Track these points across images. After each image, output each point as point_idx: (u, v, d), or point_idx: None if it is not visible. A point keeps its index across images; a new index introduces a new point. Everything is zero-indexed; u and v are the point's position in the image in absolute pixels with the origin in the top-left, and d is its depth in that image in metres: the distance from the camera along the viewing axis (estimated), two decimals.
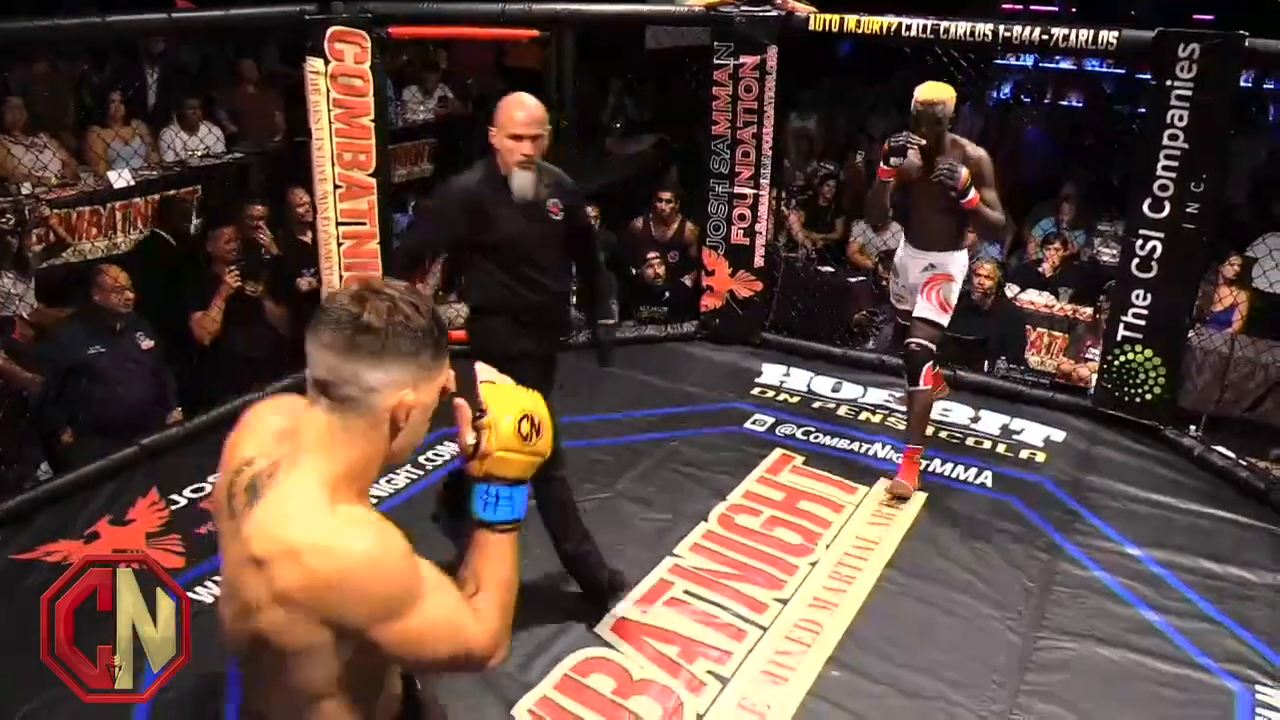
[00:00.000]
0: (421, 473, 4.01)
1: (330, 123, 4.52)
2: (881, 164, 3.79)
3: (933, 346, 3.93)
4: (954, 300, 3.97)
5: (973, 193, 3.67)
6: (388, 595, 1.31)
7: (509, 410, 1.44)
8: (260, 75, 7.29)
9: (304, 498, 1.32)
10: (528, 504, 1.47)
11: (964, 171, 3.65)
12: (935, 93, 3.73)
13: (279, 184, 5.74)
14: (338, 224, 4.64)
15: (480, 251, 3.02)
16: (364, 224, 4.71)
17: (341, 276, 4.70)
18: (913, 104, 3.74)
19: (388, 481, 3.93)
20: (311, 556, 1.28)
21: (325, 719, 1.39)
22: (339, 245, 4.67)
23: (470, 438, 1.44)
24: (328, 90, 4.48)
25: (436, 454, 4.13)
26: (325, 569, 1.28)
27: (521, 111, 2.88)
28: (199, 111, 6.53)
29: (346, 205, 4.64)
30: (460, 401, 1.45)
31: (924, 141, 3.70)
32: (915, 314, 3.99)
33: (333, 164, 4.57)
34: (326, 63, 4.44)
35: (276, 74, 7.23)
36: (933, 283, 3.95)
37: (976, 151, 3.80)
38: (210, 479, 3.90)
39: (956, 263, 3.97)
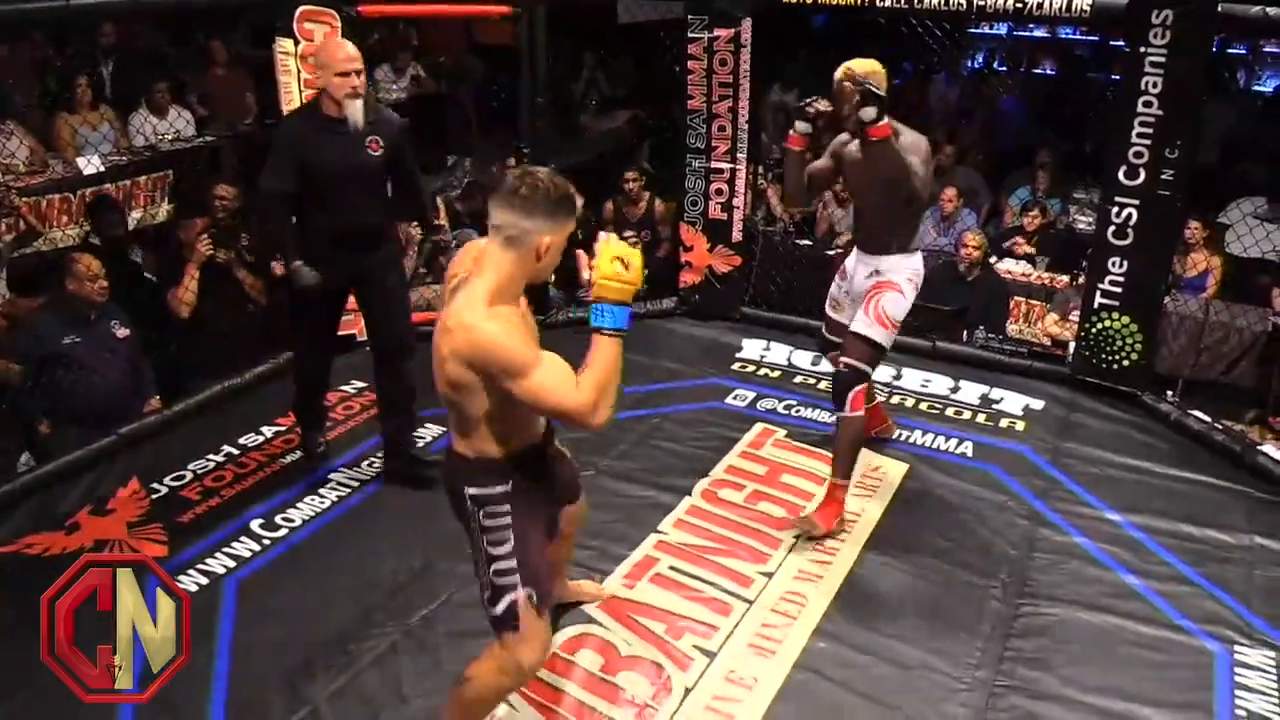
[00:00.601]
0: None
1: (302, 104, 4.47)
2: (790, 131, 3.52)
3: (865, 368, 3.51)
4: (898, 316, 3.53)
5: (884, 121, 3.25)
6: (510, 360, 2.10)
7: (607, 254, 2.13)
8: (229, 57, 7.19)
9: (475, 297, 2.13)
10: (630, 322, 2.17)
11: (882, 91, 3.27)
12: (855, 65, 3.41)
13: (252, 167, 5.67)
14: None
15: (306, 183, 3.49)
16: None
17: None
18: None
19: (369, 465, 3.94)
20: (470, 329, 2.10)
21: (483, 433, 2.27)
22: None
23: (586, 274, 2.23)
24: (298, 71, 4.43)
25: (417, 435, 4.12)
26: (473, 338, 2.10)
27: (343, 51, 3.43)
28: (167, 95, 6.43)
29: None
30: (580, 251, 2.46)
31: (826, 106, 3.43)
32: (851, 328, 3.57)
33: None
34: (296, 43, 4.39)
35: (246, 55, 7.13)
36: (875, 292, 3.53)
37: (915, 136, 3.46)
38: (190, 466, 3.89)
39: (904, 270, 3.54)
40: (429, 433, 4.15)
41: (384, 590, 3.21)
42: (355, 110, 3.44)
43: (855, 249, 3.74)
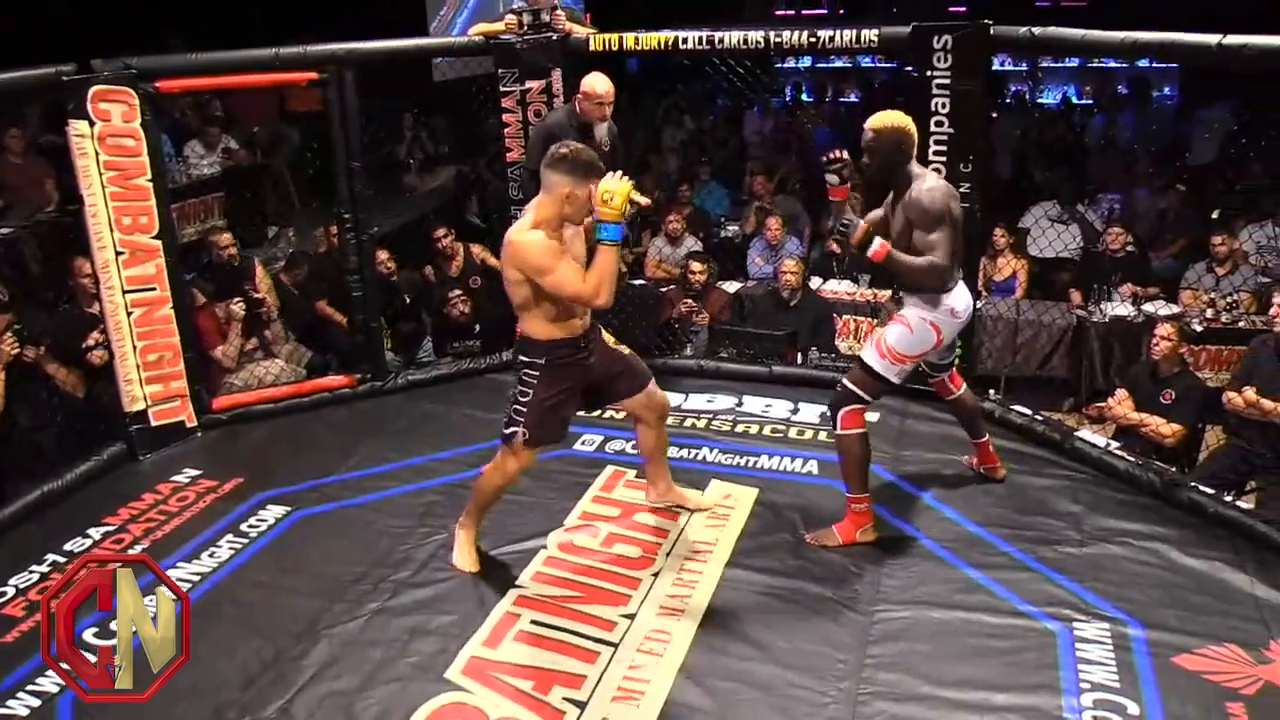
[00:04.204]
0: (246, 540, 3.85)
1: (103, 186, 4.29)
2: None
3: (855, 390, 3.57)
4: (900, 349, 3.53)
5: (876, 245, 3.38)
6: (537, 262, 3.10)
7: (602, 189, 3.07)
8: (26, 144, 6.84)
9: (522, 224, 3.18)
10: (621, 234, 3.15)
11: (859, 226, 3.38)
12: (872, 122, 3.49)
13: (58, 256, 5.41)
14: (124, 292, 4.41)
15: None
16: (154, 289, 4.49)
17: (136, 347, 4.46)
18: None
19: (210, 555, 3.76)
20: (513, 242, 3.14)
21: (530, 318, 3.28)
22: (128, 314, 4.43)
23: (595, 201, 3.09)
24: (96, 153, 4.25)
25: (260, 519, 3.99)
26: (514, 247, 3.14)
27: (604, 87, 4.59)
28: None
29: (132, 271, 4.42)
30: (592, 187, 3.10)
31: (842, 155, 3.48)
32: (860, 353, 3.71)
33: (111, 229, 4.33)
34: (92, 124, 4.22)
35: (45, 142, 6.80)
36: (888, 323, 3.63)
37: (923, 191, 3.42)
38: (12, 580, 3.63)
39: (923, 307, 3.54)
40: (271, 514, 4.01)
41: (235, 685, 3.05)
42: (600, 130, 4.71)
43: None
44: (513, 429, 3.37)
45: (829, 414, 3.69)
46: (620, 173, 3.14)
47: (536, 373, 3.32)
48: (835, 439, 3.67)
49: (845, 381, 3.63)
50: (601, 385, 3.54)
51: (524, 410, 3.34)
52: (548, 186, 3.14)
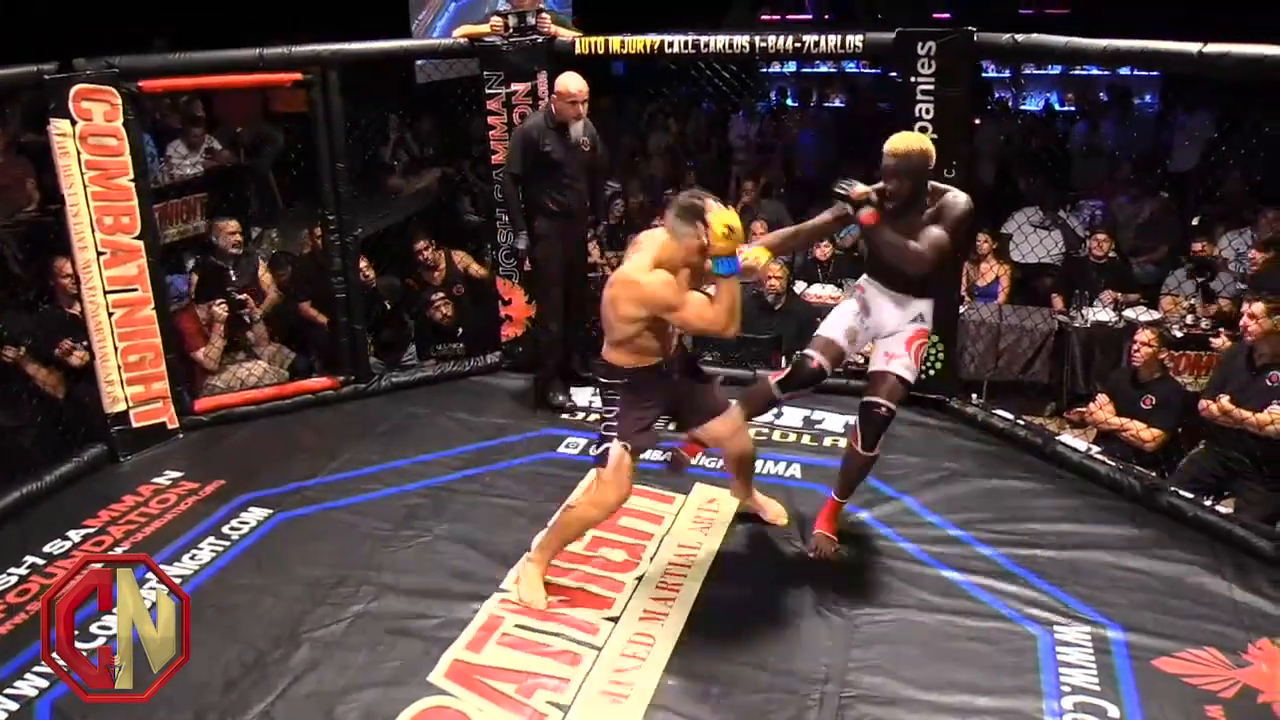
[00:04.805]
0: (227, 543, 3.83)
1: (85, 186, 4.26)
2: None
3: (895, 408, 3.56)
4: (921, 354, 3.63)
5: (866, 210, 3.33)
6: (667, 301, 3.10)
7: (719, 223, 3.02)
8: (7, 142, 6.78)
9: (638, 262, 3.16)
10: (738, 265, 3.11)
11: (858, 187, 3.35)
12: (895, 143, 3.39)
13: (38, 256, 5.37)
14: (106, 292, 4.38)
15: (536, 166, 4.74)
16: (135, 289, 4.47)
17: (117, 347, 4.43)
18: None
19: (191, 558, 3.74)
20: (638, 283, 3.11)
21: (622, 350, 3.26)
22: (110, 315, 4.40)
23: (705, 238, 3.06)
24: (78, 152, 4.22)
25: (242, 521, 3.97)
26: (640, 288, 3.11)
27: (576, 86, 4.61)
28: None
29: (114, 272, 4.39)
30: (705, 222, 3.05)
31: (853, 189, 3.36)
32: (888, 368, 3.55)
33: (93, 229, 4.31)
34: (74, 123, 4.19)
35: (26, 140, 6.74)
36: (917, 337, 3.57)
37: (951, 199, 3.42)
38: None
39: (929, 311, 3.61)
40: (253, 516, 4.00)
41: (216, 689, 3.04)
42: (576, 129, 4.73)
43: (873, 282, 3.64)
44: (605, 446, 3.31)
45: (871, 438, 3.56)
46: (715, 203, 3.07)
47: (618, 394, 3.32)
48: (867, 460, 3.61)
49: (887, 404, 3.52)
50: (683, 403, 3.51)
51: (615, 425, 3.32)
52: (678, 236, 3.10)
